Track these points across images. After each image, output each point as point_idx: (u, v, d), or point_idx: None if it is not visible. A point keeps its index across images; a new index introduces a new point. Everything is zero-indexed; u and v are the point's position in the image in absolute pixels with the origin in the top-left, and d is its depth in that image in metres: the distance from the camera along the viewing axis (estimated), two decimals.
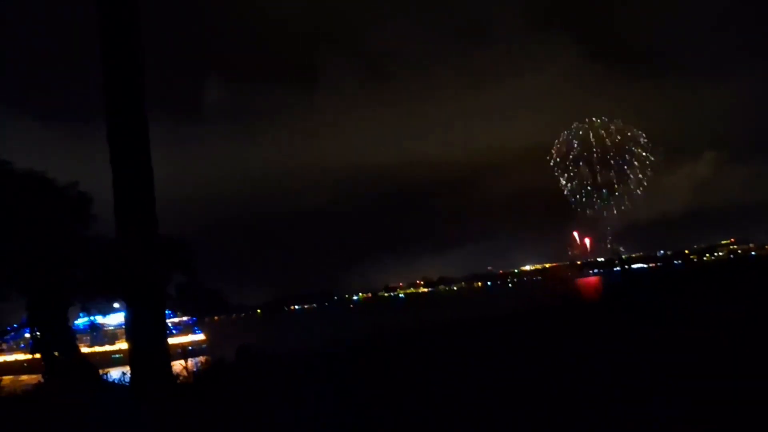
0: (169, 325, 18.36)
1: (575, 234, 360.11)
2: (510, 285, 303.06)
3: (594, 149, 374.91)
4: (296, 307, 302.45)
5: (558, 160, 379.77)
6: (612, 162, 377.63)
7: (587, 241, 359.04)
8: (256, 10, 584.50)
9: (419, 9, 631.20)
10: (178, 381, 16.53)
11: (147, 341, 13.03)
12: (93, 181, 19.58)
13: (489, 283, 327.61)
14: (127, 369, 17.25)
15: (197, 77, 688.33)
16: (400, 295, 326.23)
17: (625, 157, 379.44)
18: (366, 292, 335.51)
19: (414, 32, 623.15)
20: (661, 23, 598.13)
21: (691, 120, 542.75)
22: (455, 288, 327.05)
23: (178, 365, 17.61)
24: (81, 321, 30.08)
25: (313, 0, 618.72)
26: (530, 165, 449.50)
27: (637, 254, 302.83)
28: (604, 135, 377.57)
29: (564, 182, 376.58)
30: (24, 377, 30.69)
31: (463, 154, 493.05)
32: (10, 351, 54.51)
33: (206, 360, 21.28)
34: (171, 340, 18.55)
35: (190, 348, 59.66)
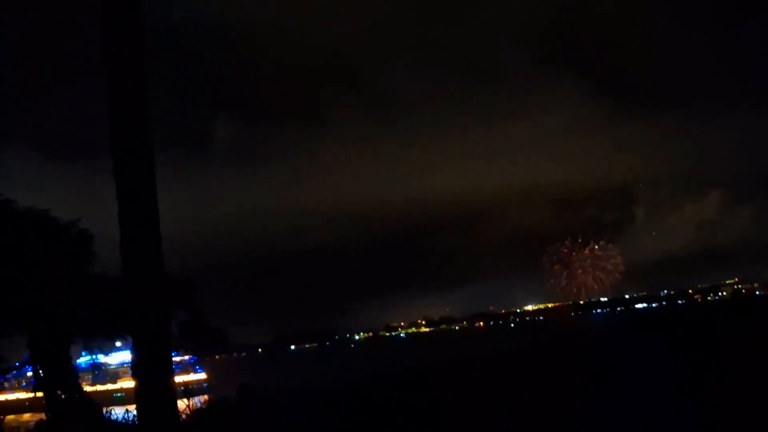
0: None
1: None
2: (512, 325, 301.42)
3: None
4: (293, 347, 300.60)
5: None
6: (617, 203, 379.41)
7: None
8: (263, 49, 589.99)
9: (427, 48, 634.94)
10: (181, 420, 16.60)
11: (153, 380, 13.17)
12: (99, 217, 19.72)
13: (491, 322, 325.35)
14: (129, 407, 17.31)
15: (205, 116, 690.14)
16: (402, 335, 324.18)
17: (630, 197, 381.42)
18: (367, 332, 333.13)
19: (421, 71, 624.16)
20: (667, 62, 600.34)
21: (696, 159, 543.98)
22: (456, 328, 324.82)
23: (180, 404, 17.68)
24: (83, 360, 30.11)
25: (321, 39, 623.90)
26: (535, 205, 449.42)
27: (641, 294, 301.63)
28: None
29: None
30: (26, 416, 30.60)
31: (467, 192, 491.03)
32: (13, 389, 54.25)
33: (208, 399, 21.30)
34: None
35: (191, 387, 59.24)
